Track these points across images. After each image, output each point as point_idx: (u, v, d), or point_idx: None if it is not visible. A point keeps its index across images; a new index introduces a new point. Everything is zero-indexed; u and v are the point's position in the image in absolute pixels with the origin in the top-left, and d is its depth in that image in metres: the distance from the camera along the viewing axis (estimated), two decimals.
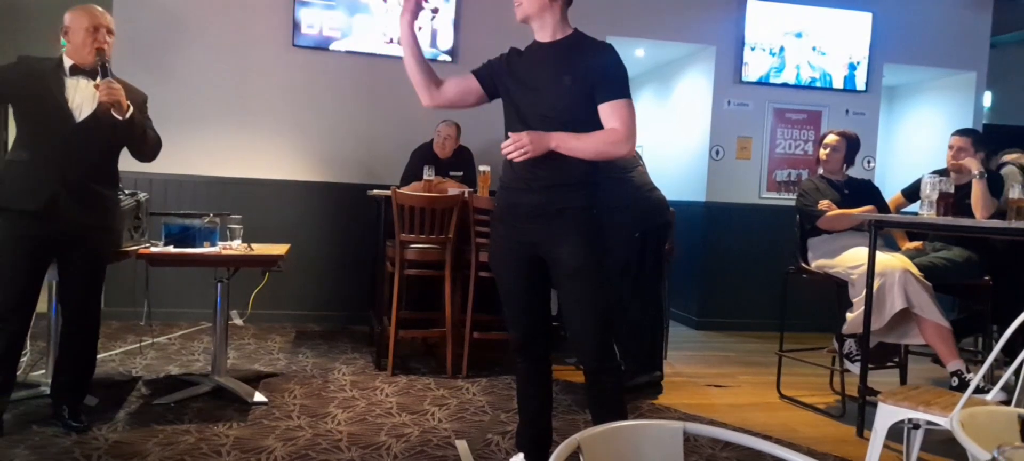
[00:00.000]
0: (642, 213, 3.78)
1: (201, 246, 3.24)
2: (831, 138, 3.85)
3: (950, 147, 3.66)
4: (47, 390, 3.07)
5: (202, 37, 4.99)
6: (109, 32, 2.80)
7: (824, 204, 3.66)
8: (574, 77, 2.24)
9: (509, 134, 2.22)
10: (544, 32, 2.31)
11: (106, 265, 2.97)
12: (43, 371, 3.30)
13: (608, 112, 2.23)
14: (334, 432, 2.98)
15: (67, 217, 2.72)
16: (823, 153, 3.85)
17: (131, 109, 2.77)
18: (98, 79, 2.70)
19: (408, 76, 2.38)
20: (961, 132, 3.73)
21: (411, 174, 4.56)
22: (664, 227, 3.92)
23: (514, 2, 2.31)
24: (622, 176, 3.77)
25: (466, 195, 3.95)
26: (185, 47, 4.97)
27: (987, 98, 6.58)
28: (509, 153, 2.18)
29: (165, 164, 5.02)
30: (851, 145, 3.84)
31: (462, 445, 2.92)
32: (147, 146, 2.95)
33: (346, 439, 2.91)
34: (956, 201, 3.32)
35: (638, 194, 3.80)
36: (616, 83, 2.24)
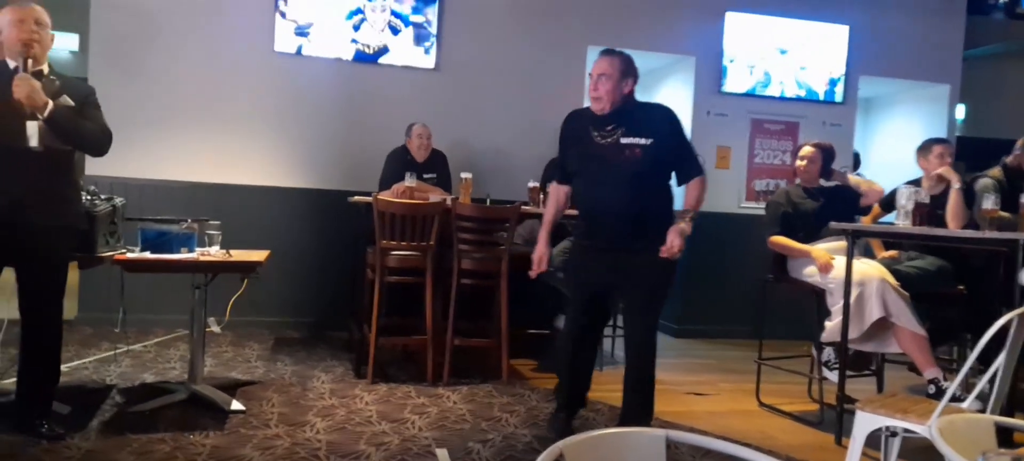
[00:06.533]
0: None
1: (178, 252, 3.20)
2: (806, 150, 3.95)
3: (939, 156, 3.76)
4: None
5: (180, 39, 4.93)
6: (38, 23, 2.71)
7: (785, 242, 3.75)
8: None
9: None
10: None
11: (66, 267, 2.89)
12: (14, 378, 3.23)
13: None
14: (313, 441, 2.95)
15: (21, 219, 2.66)
16: (799, 164, 3.95)
17: (50, 105, 2.64)
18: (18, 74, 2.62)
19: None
20: (944, 141, 3.91)
21: (390, 178, 4.54)
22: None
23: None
24: None
25: (448, 202, 3.94)
26: (162, 49, 4.91)
27: (960, 111, 6.70)
28: None
29: (142, 168, 4.99)
30: (826, 156, 3.92)
31: (442, 453, 2.90)
32: (83, 140, 2.82)
33: (325, 448, 2.88)
34: (930, 211, 3.38)
35: None
36: None
